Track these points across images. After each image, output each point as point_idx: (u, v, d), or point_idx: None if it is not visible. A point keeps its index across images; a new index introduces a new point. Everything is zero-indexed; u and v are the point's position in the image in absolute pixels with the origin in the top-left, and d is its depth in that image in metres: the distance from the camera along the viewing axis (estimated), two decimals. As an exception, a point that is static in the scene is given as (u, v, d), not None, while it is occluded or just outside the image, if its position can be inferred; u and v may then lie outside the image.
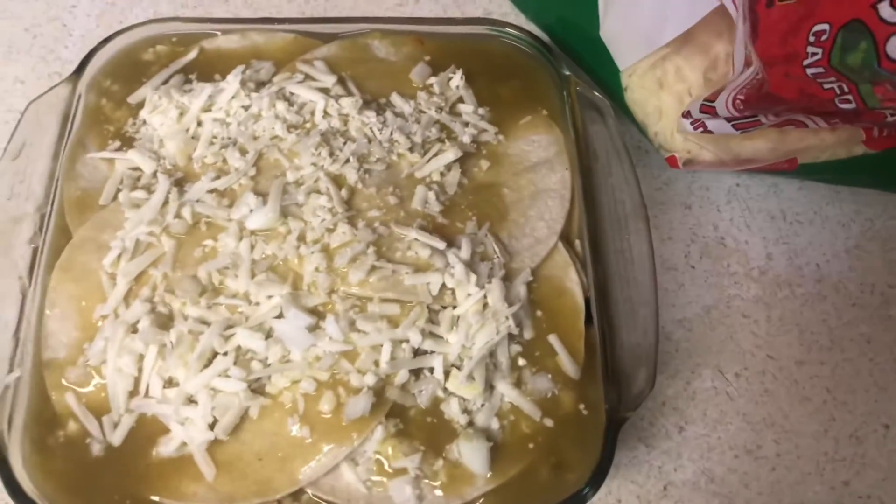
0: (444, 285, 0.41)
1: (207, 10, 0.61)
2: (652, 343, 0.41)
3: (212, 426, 0.38)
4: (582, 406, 0.40)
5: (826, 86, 0.40)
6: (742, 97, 0.44)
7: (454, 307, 0.41)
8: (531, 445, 0.39)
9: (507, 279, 0.42)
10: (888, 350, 0.48)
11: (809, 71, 0.39)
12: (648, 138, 0.52)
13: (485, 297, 0.40)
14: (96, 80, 0.50)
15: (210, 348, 0.39)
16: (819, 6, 0.38)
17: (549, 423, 0.39)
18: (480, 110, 0.49)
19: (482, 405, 0.39)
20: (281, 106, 0.47)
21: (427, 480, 0.38)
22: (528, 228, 0.44)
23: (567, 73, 0.50)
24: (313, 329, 0.39)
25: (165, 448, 0.38)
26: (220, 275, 0.41)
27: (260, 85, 0.49)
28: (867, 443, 0.45)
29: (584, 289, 0.43)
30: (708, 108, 0.46)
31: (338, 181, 0.45)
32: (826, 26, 0.38)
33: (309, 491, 0.38)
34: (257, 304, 0.41)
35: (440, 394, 0.39)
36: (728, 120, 0.45)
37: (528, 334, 0.41)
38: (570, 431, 0.39)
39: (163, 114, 0.47)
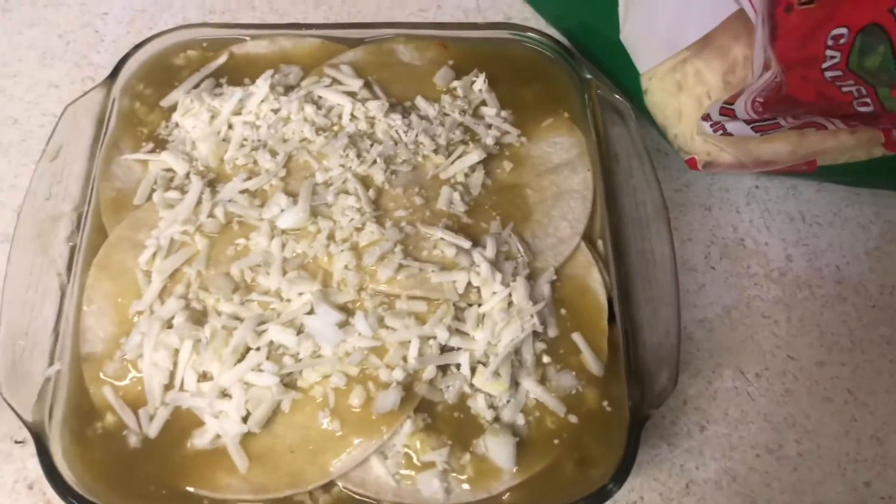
0: (469, 283, 0.42)
1: (235, 17, 0.62)
2: (674, 343, 0.41)
3: (245, 419, 0.39)
4: (606, 403, 0.40)
5: (844, 89, 0.40)
6: (761, 100, 0.45)
7: (480, 305, 0.41)
8: (556, 441, 0.39)
9: (532, 278, 0.43)
10: (909, 351, 0.49)
11: (828, 74, 0.40)
12: (668, 140, 0.53)
13: (510, 295, 0.41)
14: (130, 84, 0.51)
15: (243, 343, 0.40)
16: (838, 10, 0.38)
17: (573, 419, 0.40)
18: (503, 113, 0.50)
19: (508, 401, 0.40)
20: (309, 109, 0.48)
21: (454, 474, 0.39)
22: (552, 228, 0.45)
23: (588, 76, 0.51)
24: (343, 325, 0.40)
25: (200, 440, 0.40)
26: (252, 272, 0.43)
27: (288, 89, 0.50)
28: (888, 443, 0.46)
29: (607, 288, 0.43)
30: (727, 110, 0.46)
31: (365, 182, 0.46)
32: (844, 30, 0.38)
33: (340, 483, 0.39)
34: (288, 300, 0.42)
35: (467, 390, 0.40)
36: (747, 122, 0.46)
37: (552, 332, 0.42)
38: (594, 428, 0.40)
39: (195, 117, 0.48)
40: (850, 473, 0.45)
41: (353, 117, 0.49)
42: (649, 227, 0.46)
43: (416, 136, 0.48)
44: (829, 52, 0.39)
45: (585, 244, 0.45)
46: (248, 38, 0.53)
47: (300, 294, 0.42)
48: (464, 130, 0.49)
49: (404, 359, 0.40)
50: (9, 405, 0.39)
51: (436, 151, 0.47)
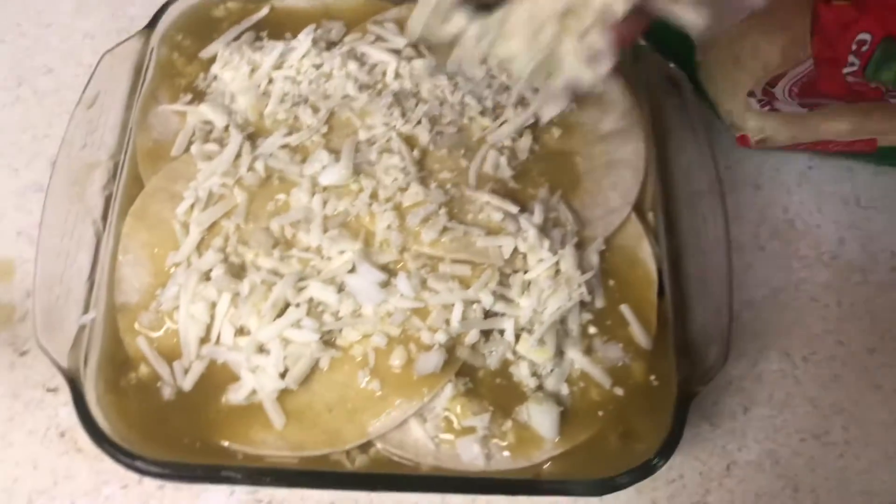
0: (516, 249, 0.40)
1: (276, -29, 0.60)
2: (725, 323, 0.40)
3: (282, 375, 0.38)
4: (653, 377, 0.39)
5: (872, 85, 0.39)
6: (796, 89, 0.44)
7: (525, 272, 0.40)
8: (600, 413, 0.39)
9: (580, 247, 0.41)
10: (962, 342, 0.47)
11: (849, 79, 0.40)
12: (720, 116, 0.51)
13: (557, 263, 0.40)
14: (168, 34, 0.50)
15: (283, 299, 0.39)
16: (866, 14, 0.38)
17: (619, 391, 0.39)
18: (553, 78, 0.48)
19: (552, 370, 0.39)
20: (352, 65, 0.47)
21: (495, 440, 0.38)
22: (601, 198, 0.44)
23: (642, 42, 0.49)
24: (385, 285, 0.39)
25: (235, 395, 0.39)
26: (292, 228, 0.42)
27: (331, 45, 0.49)
28: (937, 435, 0.44)
29: (657, 261, 0.42)
30: (768, 92, 0.45)
31: (409, 142, 0.45)
32: (868, 36, 0.38)
33: (378, 444, 0.38)
34: (329, 258, 0.41)
35: (510, 356, 0.39)
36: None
37: (599, 303, 0.41)
38: (639, 402, 0.39)
39: (234, 69, 0.47)
40: (896, 463, 0.43)
41: (397, 75, 0.47)
42: (702, 201, 0.44)
43: (463, 97, 0.46)
44: (851, 57, 0.39)
45: (636, 215, 0.43)
46: (290, -8, 0.52)
47: (341, 252, 0.40)
48: (512, 94, 0.47)
49: (447, 322, 0.39)
50: (44, 351, 0.39)
51: (482, 114, 0.46)
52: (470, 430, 0.38)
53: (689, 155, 0.46)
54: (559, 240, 0.41)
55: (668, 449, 0.37)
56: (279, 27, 0.50)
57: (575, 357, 0.39)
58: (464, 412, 0.38)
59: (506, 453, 0.38)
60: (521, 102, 0.47)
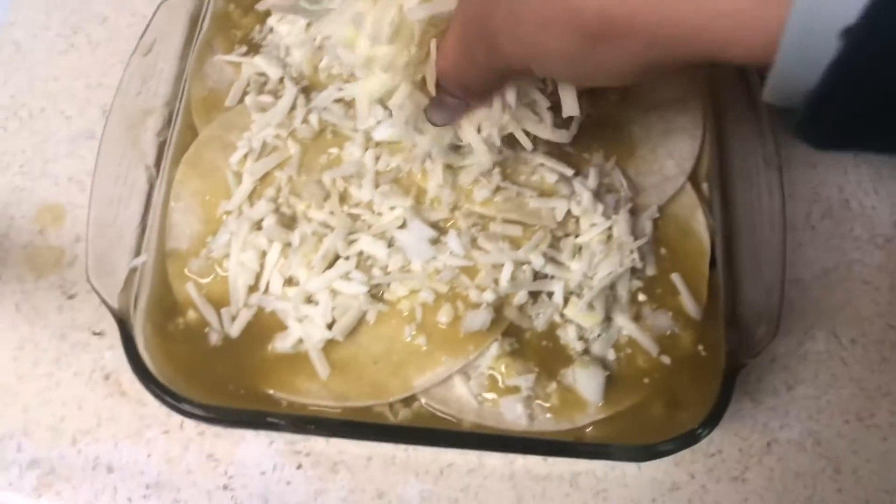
0: (569, 212, 0.40)
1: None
2: (776, 300, 0.39)
3: (329, 326, 0.39)
4: (701, 347, 0.39)
5: None
6: None
7: (577, 235, 0.40)
8: (646, 380, 0.38)
9: (633, 213, 0.41)
10: None
11: None
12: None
13: (610, 228, 0.40)
14: (224, -15, 0.50)
15: (333, 251, 0.39)
16: None
17: (666, 360, 0.39)
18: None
19: (599, 335, 0.39)
20: (408, 23, 0.46)
21: (539, 402, 0.38)
22: (657, 166, 0.43)
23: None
24: (435, 242, 0.39)
25: (282, 344, 0.39)
26: (344, 182, 0.42)
27: (387, 2, 0.48)
28: None
29: (711, 232, 0.41)
30: None
31: (464, 101, 0.44)
32: None
33: (421, 399, 0.38)
34: (380, 213, 0.41)
35: (557, 319, 0.39)
36: None
37: (650, 271, 0.40)
38: (686, 371, 0.38)
39: (290, 23, 0.47)
40: (941, 451, 0.43)
41: (452, 35, 0.47)
42: (758, 177, 0.43)
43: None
44: None
45: (691, 185, 0.43)
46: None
47: (392, 208, 0.40)
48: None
49: (496, 281, 0.39)
50: (96, 291, 0.39)
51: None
52: (514, 390, 0.38)
53: (747, 129, 0.45)
54: (613, 205, 0.40)
55: (713, 419, 0.37)
56: (335, -18, 0.50)
57: (623, 323, 0.39)
58: (508, 372, 0.38)
59: (549, 415, 0.38)
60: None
